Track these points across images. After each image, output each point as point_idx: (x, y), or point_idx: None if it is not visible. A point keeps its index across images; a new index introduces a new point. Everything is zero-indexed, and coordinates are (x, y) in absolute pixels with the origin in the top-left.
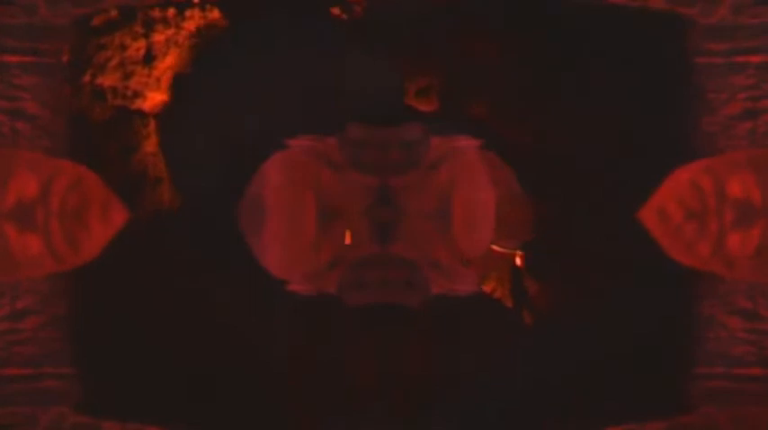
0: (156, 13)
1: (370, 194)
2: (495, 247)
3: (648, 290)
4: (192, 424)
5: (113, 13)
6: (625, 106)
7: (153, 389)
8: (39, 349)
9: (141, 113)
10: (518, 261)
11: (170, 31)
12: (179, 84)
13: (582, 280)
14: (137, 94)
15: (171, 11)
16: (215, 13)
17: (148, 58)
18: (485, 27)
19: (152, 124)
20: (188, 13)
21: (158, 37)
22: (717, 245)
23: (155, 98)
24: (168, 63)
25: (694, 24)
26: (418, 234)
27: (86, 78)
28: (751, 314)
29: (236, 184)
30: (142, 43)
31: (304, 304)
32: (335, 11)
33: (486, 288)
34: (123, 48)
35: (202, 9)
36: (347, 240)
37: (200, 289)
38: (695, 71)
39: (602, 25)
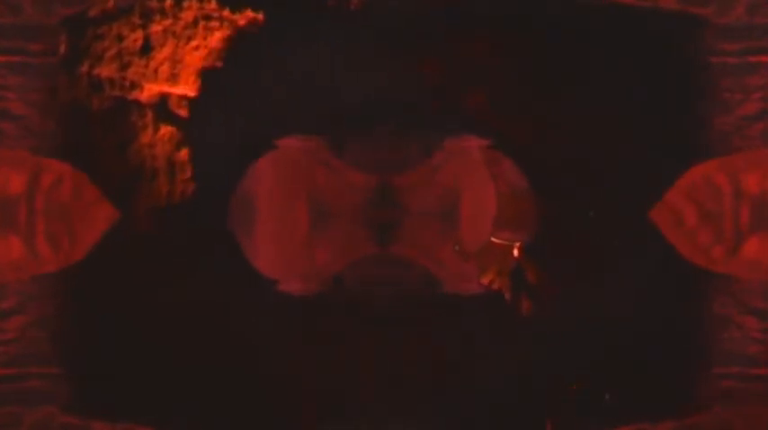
0: (154, 4)
1: (368, 194)
2: (494, 240)
3: (657, 288)
4: (185, 424)
5: (110, 3)
6: (634, 106)
7: (144, 389)
8: (25, 349)
9: (138, 104)
10: (515, 252)
11: (167, 22)
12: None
13: (586, 278)
14: (134, 85)
15: (168, 1)
16: (212, 5)
17: (146, 49)
18: (485, 27)
19: (149, 115)
20: (185, 3)
21: (156, 27)
22: (733, 245)
23: (152, 89)
24: (165, 54)
25: (708, 24)
26: (422, 233)
27: (84, 69)
28: (764, 313)
29: (229, 184)
30: (139, 34)
31: (302, 304)
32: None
33: (485, 279)
34: (120, 38)
35: (200, 0)
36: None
37: (192, 288)
38: (709, 71)
39: (611, 24)
